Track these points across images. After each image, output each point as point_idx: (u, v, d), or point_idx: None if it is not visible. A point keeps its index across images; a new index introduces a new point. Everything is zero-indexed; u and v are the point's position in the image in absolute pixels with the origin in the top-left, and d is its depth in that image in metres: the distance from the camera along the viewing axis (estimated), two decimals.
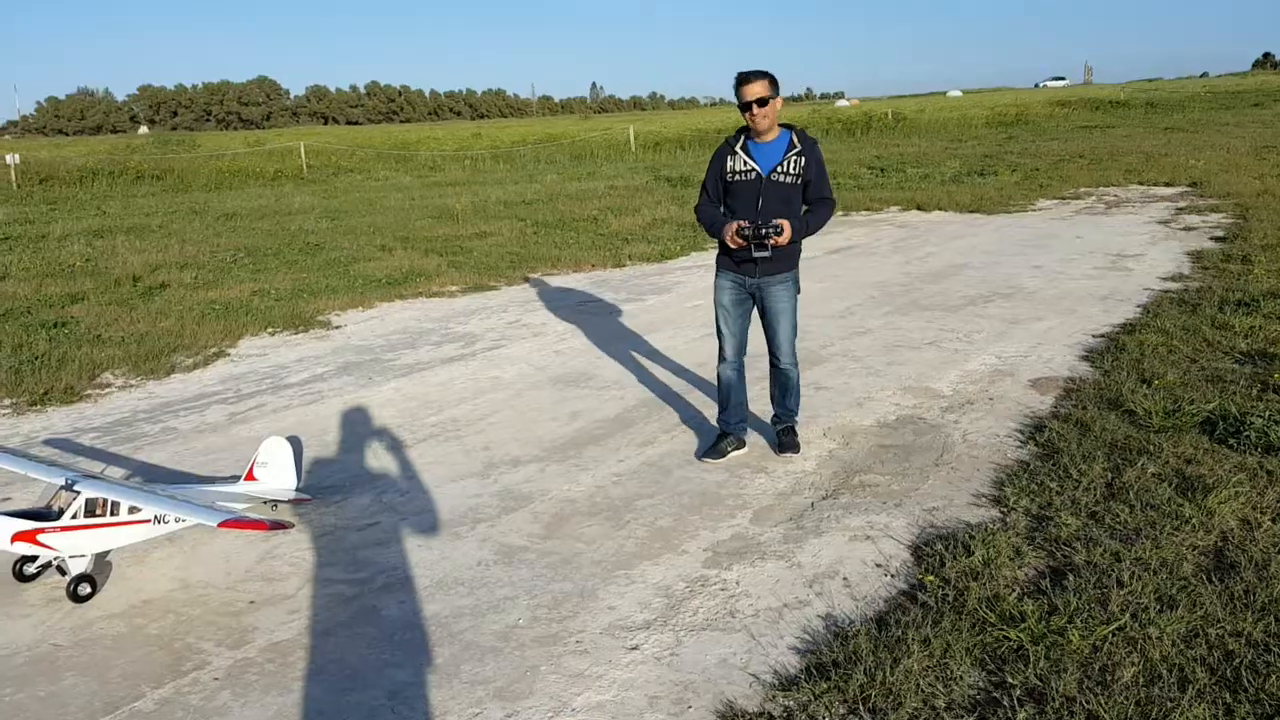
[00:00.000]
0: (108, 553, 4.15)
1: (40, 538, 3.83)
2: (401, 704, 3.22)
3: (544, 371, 7.34)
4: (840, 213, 16.15)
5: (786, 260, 5.10)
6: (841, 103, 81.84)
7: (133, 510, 4.01)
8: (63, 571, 3.96)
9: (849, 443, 5.59)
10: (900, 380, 6.71)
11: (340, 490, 5.07)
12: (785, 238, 4.87)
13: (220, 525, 3.68)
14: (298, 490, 4.76)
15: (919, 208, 16.30)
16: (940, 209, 16.04)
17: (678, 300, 9.92)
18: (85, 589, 3.90)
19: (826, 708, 3.14)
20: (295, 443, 4.83)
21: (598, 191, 20.74)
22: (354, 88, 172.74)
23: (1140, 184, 18.06)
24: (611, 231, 14.85)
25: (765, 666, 3.42)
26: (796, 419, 5.52)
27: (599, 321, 9.00)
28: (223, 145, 36.67)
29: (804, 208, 5.09)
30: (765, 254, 4.90)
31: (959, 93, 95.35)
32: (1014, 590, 3.75)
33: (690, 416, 6.14)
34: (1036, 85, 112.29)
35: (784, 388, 5.40)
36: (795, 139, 4.98)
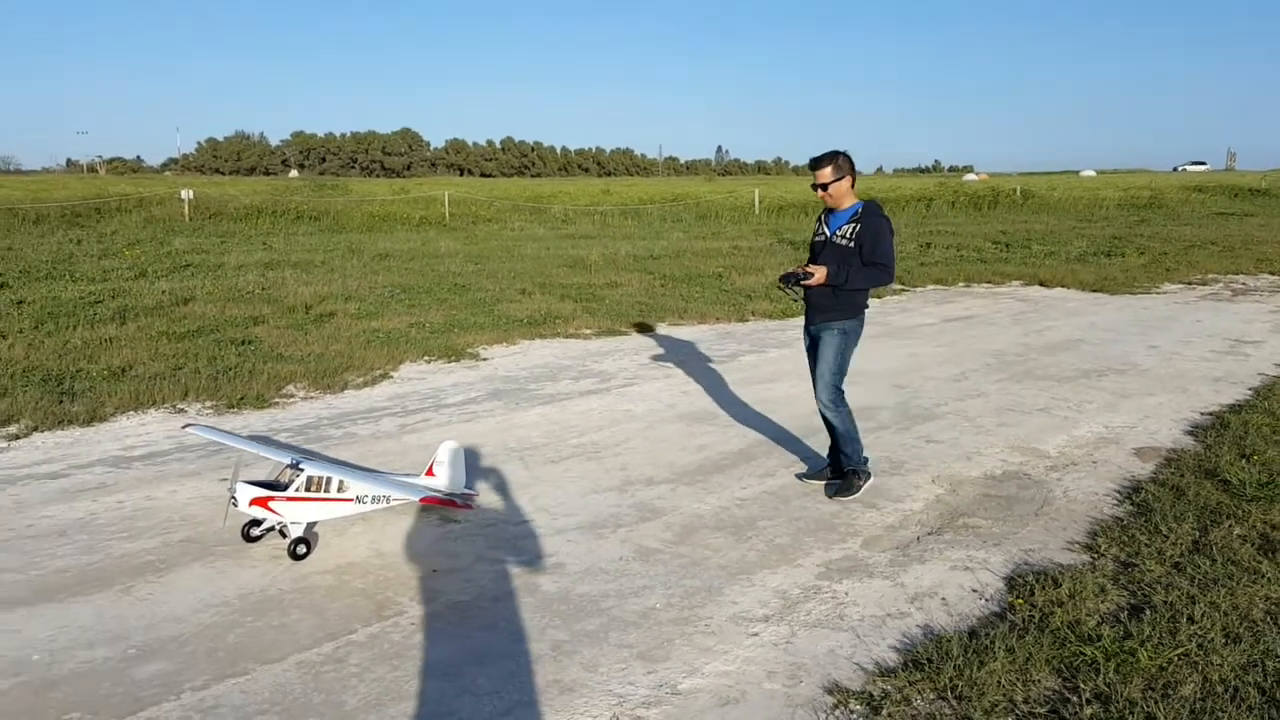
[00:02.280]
0: (317, 523, 4.99)
1: (271, 504, 4.68)
2: (562, 655, 3.91)
3: (673, 408, 8.05)
4: (962, 283, 16.59)
5: (837, 311, 5.76)
6: (970, 176, 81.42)
7: (341, 489, 4.84)
8: (284, 534, 4.81)
9: (955, 490, 6.10)
10: (1009, 440, 7.17)
11: (499, 492, 5.84)
12: (816, 279, 5.59)
13: (421, 500, 4.47)
14: (466, 488, 5.55)
15: (1041, 283, 16.56)
16: (1063, 286, 16.28)
17: (799, 354, 10.45)
18: (302, 549, 4.73)
19: (919, 692, 3.70)
20: (465, 449, 5.62)
21: (722, 250, 21.54)
22: (490, 142, 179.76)
23: (1271, 274, 17.91)
24: (735, 288, 15.57)
25: (868, 659, 3.99)
26: (853, 463, 5.94)
27: (723, 368, 9.69)
28: (371, 191, 39.06)
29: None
30: (796, 292, 5.84)
31: (1093, 172, 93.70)
32: (1094, 618, 4.24)
33: (809, 455, 6.74)
34: (1175, 169, 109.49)
35: (832, 436, 5.99)
36: (861, 210, 5.70)
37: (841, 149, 5.74)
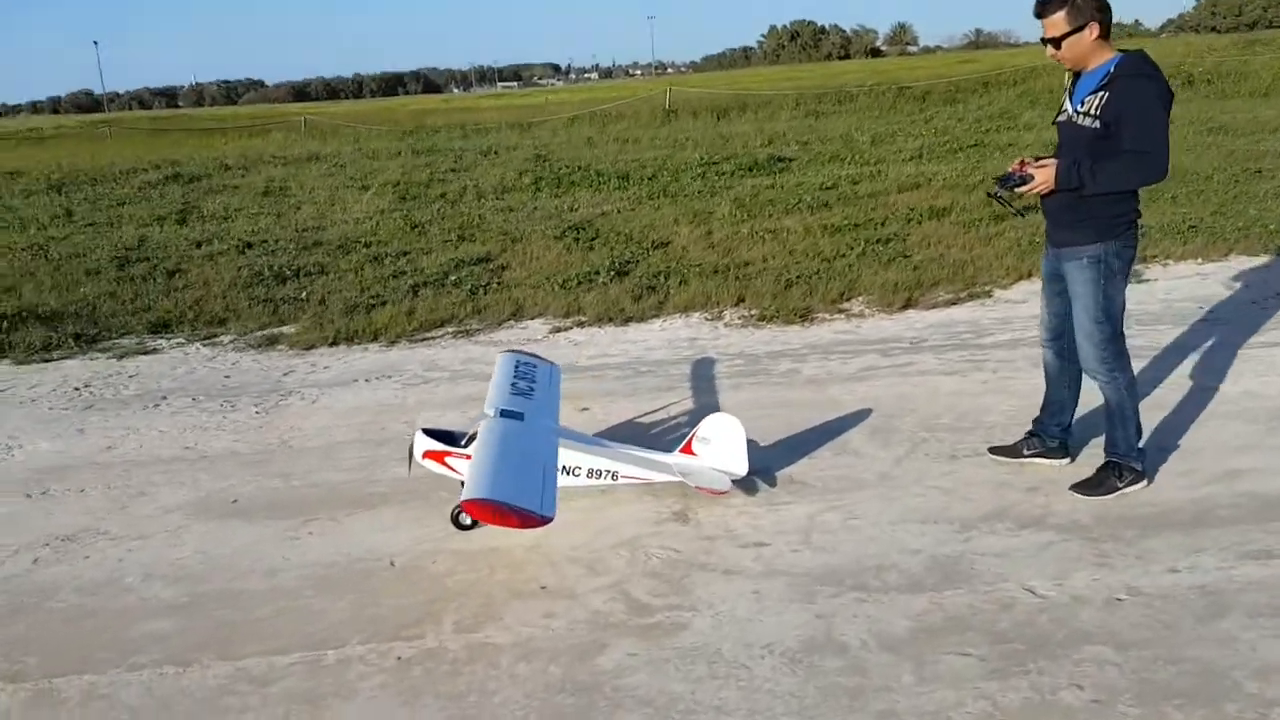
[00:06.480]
0: None
1: (447, 460, 4.15)
2: None
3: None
4: None
5: (1085, 228, 3.97)
6: None
7: None
8: None
9: None
10: None
11: (798, 489, 4.27)
12: (1038, 183, 3.91)
13: (462, 502, 3.45)
14: (746, 474, 4.19)
15: None
16: None
17: None
18: (467, 519, 4.08)
19: None
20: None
21: None
22: None
23: None
24: None
25: None
26: (1119, 453, 4.13)
27: None
28: None
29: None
30: (1010, 209, 4.14)
31: None
32: None
33: None
34: None
35: (1105, 409, 4.19)
36: (1113, 70, 3.83)
37: None
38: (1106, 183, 3.82)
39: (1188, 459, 4.33)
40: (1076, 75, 4.01)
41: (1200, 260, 7.80)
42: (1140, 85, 3.77)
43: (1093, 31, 3.83)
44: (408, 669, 3.18)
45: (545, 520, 3.39)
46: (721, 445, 4.20)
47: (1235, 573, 3.39)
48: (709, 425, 4.23)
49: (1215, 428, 4.63)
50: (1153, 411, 4.79)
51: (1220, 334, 6.00)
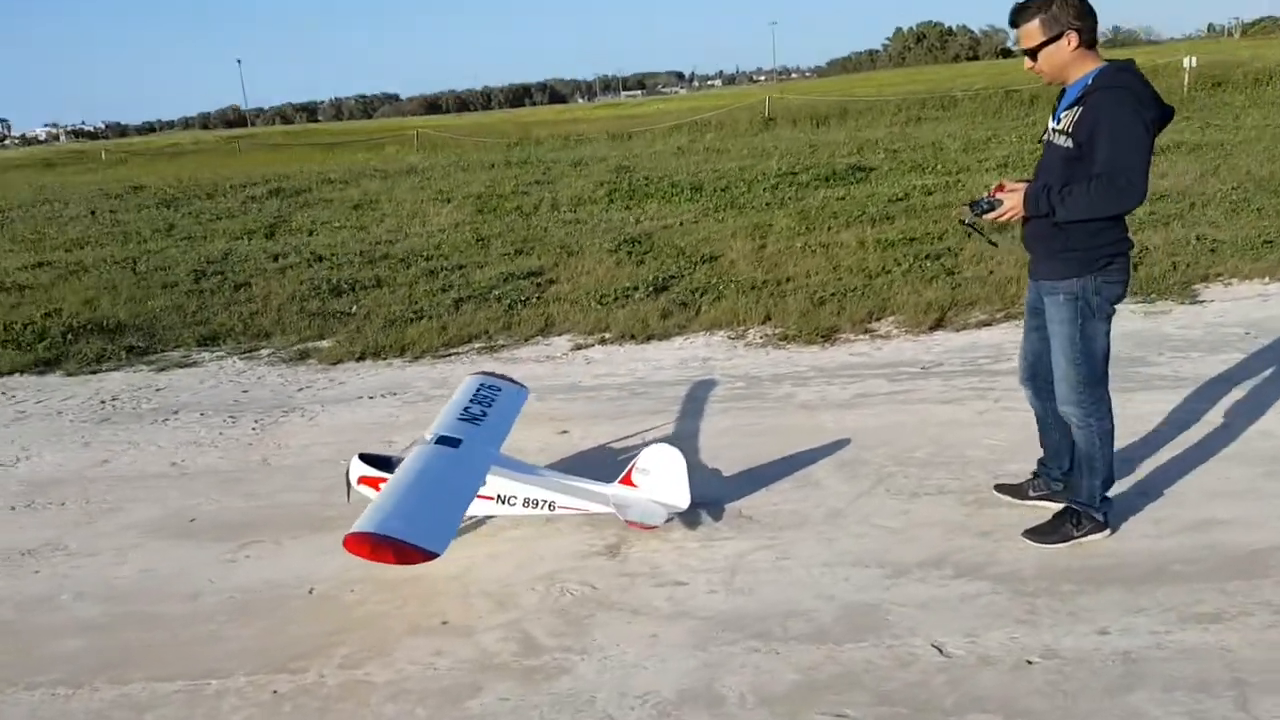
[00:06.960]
0: None
1: (381, 485, 4.13)
2: None
3: None
4: None
5: (1063, 258, 3.62)
6: None
7: None
8: None
9: None
10: None
11: (742, 524, 4.10)
12: (1005, 210, 3.63)
13: (347, 537, 3.40)
14: (690, 506, 4.05)
15: None
16: None
17: None
18: None
19: None
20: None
21: None
22: None
23: None
24: None
25: None
26: (1080, 501, 3.81)
27: None
28: None
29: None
30: (981, 236, 4.00)
31: None
32: None
33: None
34: None
35: (1074, 453, 3.91)
36: (1090, 83, 3.50)
37: None
38: (1075, 209, 3.47)
39: (1167, 504, 3.97)
40: (1063, 90, 3.72)
41: (1267, 279, 7.20)
42: (1115, 98, 3.42)
43: (1071, 41, 3.52)
44: (279, 704, 3.17)
45: (429, 556, 3.34)
46: (661, 477, 4.06)
47: (1169, 638, 3.08)
48: (649, 456, 4.10)
49: (1209, 470, 4.23)
50: (1148, 449, 4.44)
51: (1258, 364, 5.49)
